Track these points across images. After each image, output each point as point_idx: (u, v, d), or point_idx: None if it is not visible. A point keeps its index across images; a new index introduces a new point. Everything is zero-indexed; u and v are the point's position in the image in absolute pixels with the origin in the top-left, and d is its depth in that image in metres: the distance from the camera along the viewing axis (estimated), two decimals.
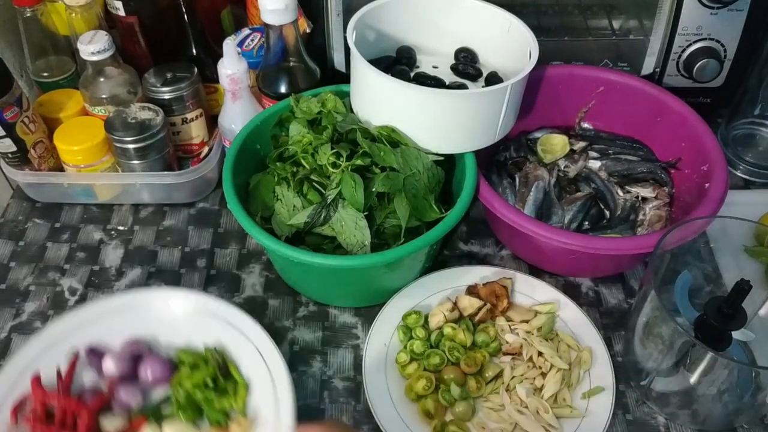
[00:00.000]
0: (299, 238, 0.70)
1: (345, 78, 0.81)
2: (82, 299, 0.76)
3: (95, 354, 0.65)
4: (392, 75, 0.68)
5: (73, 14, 0.83)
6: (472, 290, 0.72)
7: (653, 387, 0.65)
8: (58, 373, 0.64)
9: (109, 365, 0.64)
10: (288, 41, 0.78)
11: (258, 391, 0.62)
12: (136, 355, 0.65)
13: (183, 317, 0.67)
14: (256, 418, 0.61)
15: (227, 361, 0.65)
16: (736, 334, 0.63)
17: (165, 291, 0.69)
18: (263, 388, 0.62)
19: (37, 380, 0.62)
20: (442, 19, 0.78)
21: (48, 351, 0.65)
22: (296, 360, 0.70)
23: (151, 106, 0.82)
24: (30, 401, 0.62)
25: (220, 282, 0.78)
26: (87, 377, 0.65)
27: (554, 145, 0.84)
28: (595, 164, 0.83)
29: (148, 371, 0.64)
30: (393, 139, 0.69)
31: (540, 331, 0.69)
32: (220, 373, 0.63)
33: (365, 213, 0.67)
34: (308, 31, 0.86)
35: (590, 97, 0.84)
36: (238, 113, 0.80)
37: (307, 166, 0.70)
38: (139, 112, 0.81)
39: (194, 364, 0.64)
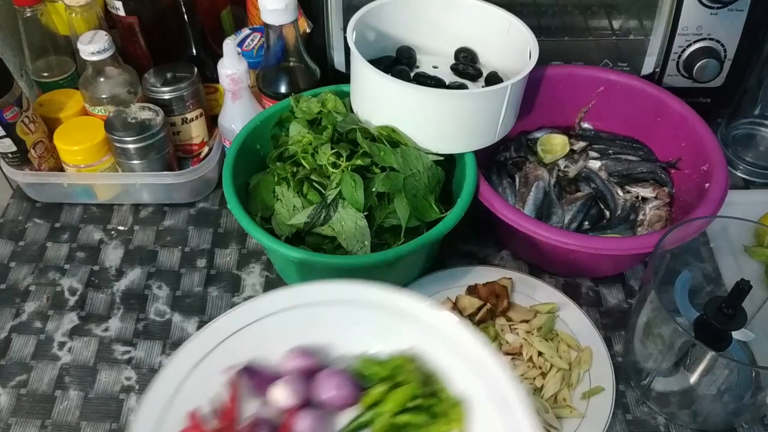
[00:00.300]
0: (299, 238, 0.70)
1: (345, 78, 0.81)
2: (82, 299, 0.76)
3: (253, 377, 0.50)
4: (392, 75, 0.68)
5: (73, 14, 0.83)
6: (472, 290, 0.72)
7: (653, 387, 0.65)
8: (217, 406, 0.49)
9: (280, 394, 0.48)
10: (288, 41, 0.78)
11: (480, 409, 0.47)
12: (309, 372, 0.50)
13: (355, 316, 0.51)
14: None
15: (431, 375, 0.50)
16: (736, 334, 0.63)
17: (327, 284, 0.52)
18: (484, 405, 0.47)
19: (194, 418, 0.48)
20: (442, 19, 0.78)
21: (194, 373, 0.49)
22: None
23: (151, 106, 0.82)
24: None
25: (220, 282, 0.78)
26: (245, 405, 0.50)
27: (554, 145, 0.84)
28: (595, 164, 0.83)
29: (333, 390, 0.49)
30: (393, 139, 0.69)
31: (540, 331, 0.69)
32: (427, 391, 0.49)
33: (365, 213, 0.67)
34: (308, 31, 0.86)
35: (590, 97, 0.84)
36: (238, 113, 0.80)
37: (307, 166, 0.70)
38: (139, 112, 0.81)
39: (390, 379, 0.49)
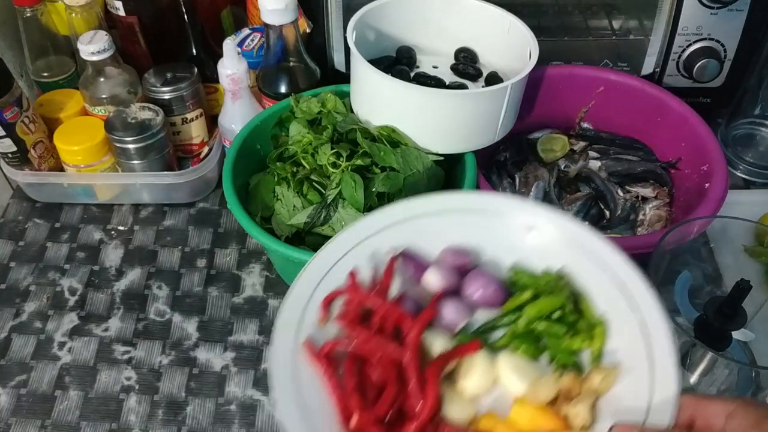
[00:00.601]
0: (299, 238, 0.70)
1: (345, 78, 0.81)
2: (82, 299, 0.76)
3: (410, 261, 0.56)
4: (392, 75, 0.68)
5: (73, 14, 0.83)
6: None
7: None
8: (374, 278, 0.55)
9: (432, 278, 0.55)
10: (288, 41, 0.78)
11: (619, 335, 0.50)
12: (461, 268, 0.56)
13: (520, 233, 0.55)
14: (618, 368, 0.49)
15: (578, 294, 0.53)
16: (736, 334, 0.63)
17: (507, 200, 0.57)
18: (627, 331, 0.50)
19: (354, 276, 0.54)
20: (442, 19, 0.78)
21: (357, 249, 0.55)
22: None
23: (151, 106, 0.82)
24: (342, 299, 0.54)
25: (220, 282, 0.78)
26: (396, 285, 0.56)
27: (554, 145, 0.84)
28: (595, 164, 0.83)
29: (477, 289, 0.54)
30: (393, 139, 0.69)
31: None
32: (572, 307, 0.52)
33: (365, 213, 0.67)
34: (308, 31, 0.86)
35: (590, 97, 0.84)
36: (238, 113, 0.80)
37: (307, 166, 0.70)
38: (139, 112, 0.81)
39: (538, 290, 0.53)
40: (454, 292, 0.55)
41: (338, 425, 0.48)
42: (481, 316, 0.54)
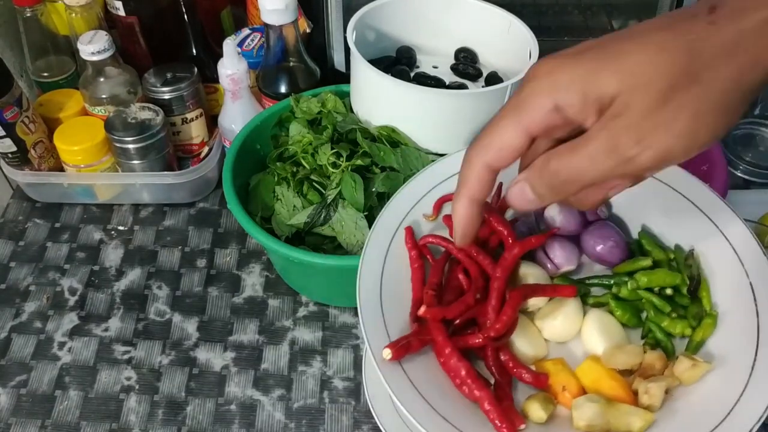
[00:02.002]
0: (299, 238, 0.70)
1: (345, 78, 0.81)
2: (82, 299, 0.76)
3: None
4: (392, 75, 0.68)
5: (73, 14, 0.83)
6: None
7: None
8: (498, 189, 0.56)
9: (554, 214, 0.55)
10: (288, 41, 0.78)
11: (729, 332, 0.48)
12: (586, 216, 0.55)
13: (663, 200, 0.53)
14: (716, 364, 0.46)
15: (702, 278, 0.50)
16: None
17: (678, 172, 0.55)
18: (739, 333, 0.47)
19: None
20: (442, 19, 0.78)
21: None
22: (296, 360, 0.70)
23: (151, 106, 0.82)
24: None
25: (220, 282, 0.78)
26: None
27: None
28: None
29: (597, 241, 0.53)
30: (393, 139, 0.69)
31: None
32: (688, 290, 0.50)
33: (365, 213, 0.67)
34: (308, 31, 0.86)
35: None
36: (238, 113, 0.80)
37: (307, 166, 0.70)
38: (139, 112, 0.81)
39: (659, 261, 0.52)
40: (575, 237, 0.54)
41: (408, 314, 0.50)
42: (591, 269, 0.54)
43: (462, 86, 0.76)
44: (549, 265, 0.54)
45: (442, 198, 0.57)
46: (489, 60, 0.79)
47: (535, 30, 0.73)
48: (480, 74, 0.78)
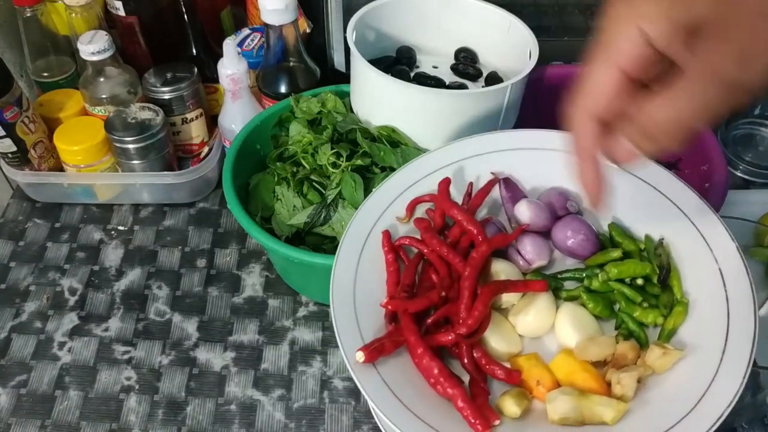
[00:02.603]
0: (299, 238, 0.70)
1: (345, 78, 0.81)
2: (82, 299, 0.76)
3: (509, 188, 0.57)
4: (392, 75, 0.68)
5: (73, 14, 0.83)
6: None
7: None
8: (468, 190, 0.57)
9: (523, 210, 0.55)
10: (288, 41, 0.78)
11: (699, 319, 0.48)
12: (556, 211, 0.55)
13: (632, 191, 0.53)
14: (688, 351, 0.47)
15: (672, 267, 0.51)
16: None
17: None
18: (711, 317, 0.47)
19: (446, 184, 0.56)
20: (442, 19, 0.78)
21: (463, 164, 0.57)
22: (296, 360, 0.70)
23: (151, 106, 0.82)
24: (429, 206, 0.56)
25: (220, 282, 0.78)
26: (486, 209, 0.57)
27: None
28: None
29: (567, 235, 0.53)
30: (393, 139, 0.69)
31: None
32: (658, 279, 0.50)
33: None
34: (308, 31, 0.86)
35: None
36: (238, 113, 0.80)
37: (307, 166, 0.70)
38: (139, 112, 0.81)
39: (629, 252, 0.52)
40: (546, 233, 0.54)
41: (383, 317, 0.51)
42: (563, 264, 0.54)
43: (462, 86, 0.76)
44: (521, 261, 0.54)
45: (415, 200, 0.57)
46: (489, 60, 0.79)
47: (535, 30, 0.73)
48: (480, 74, 0.78)
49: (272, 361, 0.70)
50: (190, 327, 0.73)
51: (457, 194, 0.59)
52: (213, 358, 0.71)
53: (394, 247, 0.55)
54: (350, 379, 0.68)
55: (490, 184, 0.58)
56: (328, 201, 0.67)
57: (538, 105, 0.83)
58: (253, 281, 0.78)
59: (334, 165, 0.68)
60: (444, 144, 0.70)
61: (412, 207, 0.57)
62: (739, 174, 0.89)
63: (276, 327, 0.73)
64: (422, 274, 0.54)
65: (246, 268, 0.79)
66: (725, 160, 0.73)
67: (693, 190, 0.52)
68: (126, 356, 0.71)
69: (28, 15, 0.83)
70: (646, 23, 0.34)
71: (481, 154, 0.59)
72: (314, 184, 0.70)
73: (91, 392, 0.68)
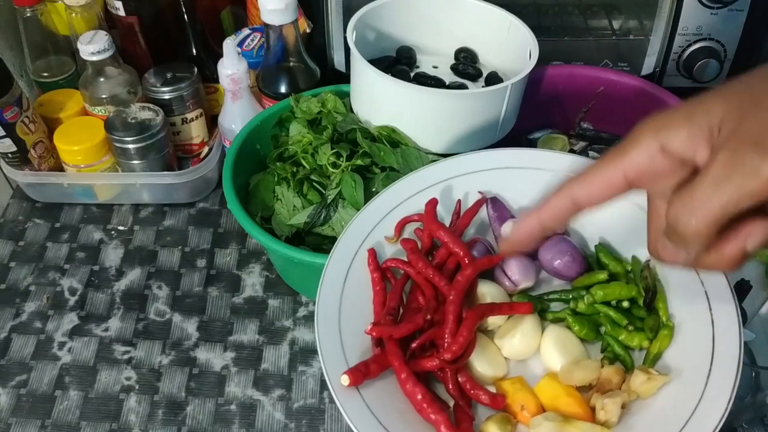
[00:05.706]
0: (299, 238, 0.70)
1: (345, 78, 0.81)
2: (82, 299, 0.76)
3: (496, 208, 0.56)
4: (392, 75, 0.68)
5: (73, 14, 0.83)
6: None
7: None
8: (456, 209, 0.57)
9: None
10: (288, 41, 0.78)
11: (685, 343, 0.47)
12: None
13: (619, 212, 0.50)
14: (673, 375, 0.46)
15: (659, 290, 0.50)
16: None
17: None
18: (696, 341, 0.46)
19: (433, 206, 0.55)
20: (442, 19, 0.78)
21: (451, 183, 0.57)
22: (296, 360, 0.70)
23: (151, 106, 0.82)
24: (417, 225, 0.56)
25: (220, 282, 0.78)
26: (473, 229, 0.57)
27: (554, 145, 0.83)
28: None
29: (554, 256, 0.53)
30: (393, 139, 0.69)
31: None
32: (644, 301, 0.50)
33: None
34: (308, 31, 0.86)
35: (590, 97, 0.84)
36: (238, 113, 0.80)
37: (307, 166, 0.70)
38: (139, 112, 0.81)
39: (616, 273, 0.52)
40: (532, 254, 0.54)
41: (369, 339, 0.50)
42: (550, 285, 0.54)
43: (462, 86, 0.76)
44: (507, 283, 0.54)
45: (404, 219, 0.57)
46: (489, 60, 0.79)
47: (535, 30, 0.73)
48: (480, 74, 0.78)
49: (272, 361, 0.70)
50: (190, 327, 0.73)
51: (445, 213, 0.58)
52: (213, 358, 0.71)
53: (379, 267, 0.54)
54: None
55: (477, 205, 0.57)
56: (328, 201, 0.67)
57: (538, 105, 0.83)
58: (253, 281, 0.78)
59: (334, 165, 0.68)
60: (444, 144, 0.70)
61: (400, 227, 0.56)
62: None
63: (276, 327, 0.73)
64: (409, 294, 0.54)
65: (246, 268, 0.79)
66: None
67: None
68: (126, 356, 0.71)
69: (28, 15, 0.83)
70: (664, 132, 0.36)
71: (470, 173, 0.58)
72: (314, 184, 0.70)
73: (91, 392, 0.68)
